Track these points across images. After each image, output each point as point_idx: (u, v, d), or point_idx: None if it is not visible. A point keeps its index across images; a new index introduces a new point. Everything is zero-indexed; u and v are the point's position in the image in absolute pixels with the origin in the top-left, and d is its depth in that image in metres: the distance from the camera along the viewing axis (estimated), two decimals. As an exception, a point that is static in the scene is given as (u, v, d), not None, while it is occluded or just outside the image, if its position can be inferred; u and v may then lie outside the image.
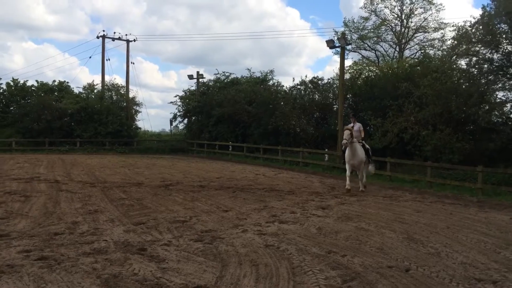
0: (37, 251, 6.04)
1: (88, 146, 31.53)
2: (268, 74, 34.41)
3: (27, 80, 35.62)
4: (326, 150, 22.93)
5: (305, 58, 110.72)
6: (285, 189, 13.54)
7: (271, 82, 34.03)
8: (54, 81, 36.44)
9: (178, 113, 36.46)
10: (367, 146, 13.93)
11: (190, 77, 36.17)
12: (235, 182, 15.16)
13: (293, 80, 37.88)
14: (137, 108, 36.98)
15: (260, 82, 33.58)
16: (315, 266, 5.67)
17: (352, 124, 13.89)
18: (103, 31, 37.97)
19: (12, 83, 34.52)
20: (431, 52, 29.85)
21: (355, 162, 13.11)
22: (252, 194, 12.18)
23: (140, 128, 38.14)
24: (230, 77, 35.94)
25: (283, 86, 32.11)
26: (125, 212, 9.17)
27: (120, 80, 70.62)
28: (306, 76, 35.50)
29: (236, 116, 29.48)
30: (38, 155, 26.62)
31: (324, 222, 8.61)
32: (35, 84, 35.30)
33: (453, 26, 28.34)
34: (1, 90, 34.26)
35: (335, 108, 25.52)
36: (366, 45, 34.42)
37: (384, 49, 34.53)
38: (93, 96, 35.48)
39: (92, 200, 10.52)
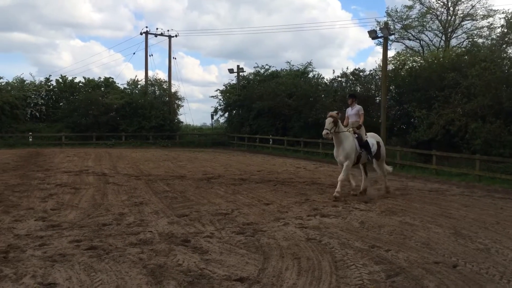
0: (87, 241, 6.29)
1: (132, 140, 32.47)
2: (308, 66, 34.20)
3: (75, 77, 37.13)
4: (369, 143, 22.51)
5: (346, 49, 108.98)
6: (326, 182, 13.42)
7: (311, 75, 33.83)
8: (100, 77, 37.73)
9: (219, 107, 36.89)
10: (365, 137, 10.72)
11: (231, 71, 36.44)
12: (275, 175, 15.17)
13: (334, 72, 37.47)
14: (179, 102, 37.65)
15: (300, 74, 33.40)
16: (358, 261, 5.60)
17: (348, 110, 11.17)
18: (146, 27, 38.98)
19: (61, 80, 36.05)
20: (480, 40, 28.63)
21: (341, 158, 10.40)
22: (293, 188, 12.16)
23: (182, 122, 38.89)
24: (270, 70, 35.96)
25: (323, 78, 31.84)
26: (169, 204, 9.38)
27: (162, 75, 71.96)
28: (347, 68, 35.03)
29: (277, 109, 29.44)
30: (86, 149, 27.68)
31: (367, 216, 8.47)
32: (83, 80, 36.69)
33: (503, 13, 27.16)
34: (52, 87, 35.86)
35: (378, 100, 24.97)
36: (410, 35, 33.43)
37: (429, 38, 33.42)
38: (137, 91, 36.46)
39: (137, 193, 10.84)
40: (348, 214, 8.60)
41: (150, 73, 37.41)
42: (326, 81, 30.10)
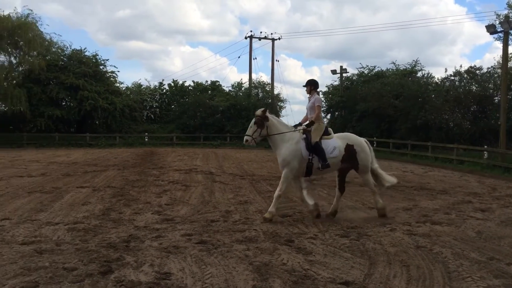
0: (197, 236, 6.65)
1: (236, 141, 33.61)
2: (416, 65, 32.57)
3: (185, 81, 39.75)
4: (486, 147, 20.74)
5: (460, 46, 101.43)
6: (436, 188, 12.63)
7: (419, 74, 32.16)
8: (207, 81, 39.84)
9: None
10: (316, 138, 7.89)
11: (333, 72, 36.04)
12: (380, 178, 14.61)
13: (446, 71, 35.29)
14: (281, 104, 38.20)
15: (407, 74, 31.93)
16: (475, 273, 5.18)
17: (309, 101, 8.53)
18: (251, 31, 40.11)
19: (172, 84, 38.71)
20: None
21: (280, 163, 8.13)
22: (399, 192, 11.63)
23: (284, 123, 39.31)
24: (374, 71, 34.91)
25: (433, 77, 30.12)
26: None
27: (265, 78, 73.75)
28: (461, 66, 32.45)
29: (381, 110, 28.44)
30: (194, 149, 29.31)
31: (484, 225, 7.79)
32: (192, 84, 38.99)
33: None
34: (164, 91, 38.65)
35: (497, 100, 22.91)
36: (536, 27, 30.04)
37: (559, 30, 29.72)
38: (241, 94, 37.79)
39: (242, 192, 11.20)
40: (462, 222, 8.00)
41: (253, 76, 38.55)
42: (437, 80, 28.45)
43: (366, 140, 8.77)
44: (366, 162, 8.38)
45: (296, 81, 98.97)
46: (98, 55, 34.77)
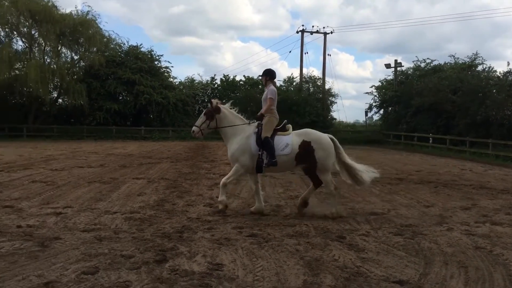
0: (248, 229, 6.71)
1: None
2: (476, 58, 31.08)
3: (235, 76, 40.04)
4: (552, 144, 19.48)
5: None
6: (497, 187, 12.01)
7: (480, 68, 30.67)
8: (258, 75, 40.04)
9: (373, 104, 35.85)
10: (266, 132, 7.54)
11: (387, 66, 35.12)
12: (436, 176, 14.13)
13: (508, 64, 33.43)
14: (333, 99, 37.76)
15: (466, 68, 30.54)
16: (540, 278, 4.89)
17: (266, 92, 8.02)
18: (302, 25, 39.83)
19: (224, 79, 39.22)
20: None
21: (229, 159, 8.04)
22: (457, 191, 11.18)
23: (335, 119, 38.96)
24: (431, 64, 33.65)
25: (495, 71, 28.66)
26: (323, 199, 9.44)
27: (316, 72, 72.67)
28: (525, 59, 30.69)
29: (438, 106, 27.41)
30: (244, 143, 29.56)
31: (550, 228, 7.33)
32: (243, 79, 39.32)
33: None
34: (216, 85, 39.24)
35: None
36: None
37: None
38: (292, 89, 37.67)
39: (292, 186, 11.18)
40: (525, 224, 7.57)
41: (304, 71, 38.33)
42: (499, 74, 26.99)
43: (331, 136, 8.06)
44: (325, 161, 7.69)
45: (348, 75, 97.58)
46: (153, 51, 35.94)
